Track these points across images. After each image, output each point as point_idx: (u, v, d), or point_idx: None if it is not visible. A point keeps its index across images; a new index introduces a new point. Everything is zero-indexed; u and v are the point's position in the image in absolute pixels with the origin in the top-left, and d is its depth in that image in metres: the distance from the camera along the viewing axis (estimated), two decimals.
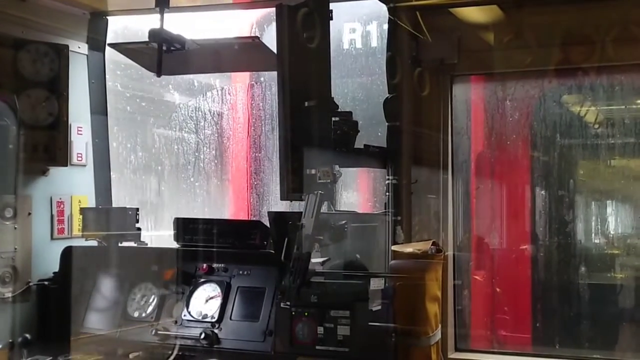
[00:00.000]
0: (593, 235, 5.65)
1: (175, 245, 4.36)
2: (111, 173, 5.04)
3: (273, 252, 4.00)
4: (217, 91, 5.57)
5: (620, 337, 5.09)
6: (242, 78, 5.68)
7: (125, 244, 4.55)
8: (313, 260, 3.69)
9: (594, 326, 5.20)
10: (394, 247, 4.08)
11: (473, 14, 4.43)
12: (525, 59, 4.28)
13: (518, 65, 4.38)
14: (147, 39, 3.94)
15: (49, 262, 4.49)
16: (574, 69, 4.55)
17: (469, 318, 4.96)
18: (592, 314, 5.25)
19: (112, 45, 4.78)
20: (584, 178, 5.71)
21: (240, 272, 4.17)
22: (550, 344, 5.32)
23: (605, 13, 4.11)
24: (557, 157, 5.42)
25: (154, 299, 4.28)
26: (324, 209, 3.84)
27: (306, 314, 3.72)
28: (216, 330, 4.03)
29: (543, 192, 5.59)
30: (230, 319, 4.08)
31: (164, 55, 3.92)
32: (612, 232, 5.54)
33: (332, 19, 3.82)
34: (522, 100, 5.24)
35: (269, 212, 4.12)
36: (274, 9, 3.66)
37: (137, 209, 4.61)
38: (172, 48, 3.97)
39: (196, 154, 5.45)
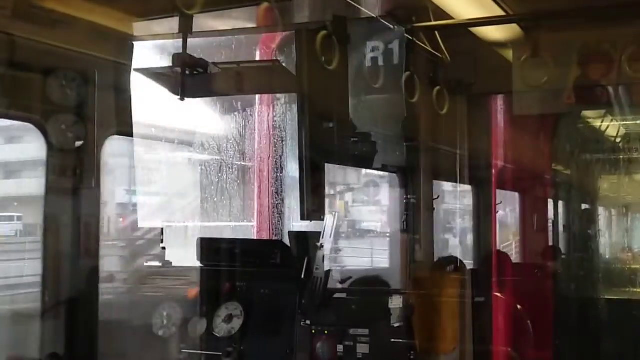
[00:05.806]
0: (616, 249, 5.63)
1: (198, 264, 4.46)
2: (137, 193, 5.15)
3: (294, 271, 4.08)
4: (240, 112, 5.66)
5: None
6: (264, 99, 5.76)
7: (150, 263, 4.65)
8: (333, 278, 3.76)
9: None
10: (412, 265, 4.12)
11: (490, 33, 4.48)
12: (542, 77, 4.31)
13: (535, 84, 4.40)
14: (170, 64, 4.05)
15: (77, 279, 4.60)
16: (591, 86, 4.57)
17: (489, 335, 4.97)
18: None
19: (138, 70, 4.90)
20: (605, 192, 5.70)
21: (262, 290, 4.25)
22: None
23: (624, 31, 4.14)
24: (576, 172, 5.42)
25: (178, 318, 4.37)
26: (344, 228, 3.91)
27: (326, 332, 3.78)
28: (238, 348, 4.11)
29: (563, 206, 5.58)
30: (252, 336, 4.16)
31: (187, 79, 4.02)
32: (633, 246, 5.52)
33: (349, 43, 3.90)
34: (540, 117, 5.26)
35: (289, 232, 4.20)
36: (294, 32, 3.76)
37: (162, 229, 4.71)
38: (195, 72, 4.07)
39: (219, 174, 5.54)
